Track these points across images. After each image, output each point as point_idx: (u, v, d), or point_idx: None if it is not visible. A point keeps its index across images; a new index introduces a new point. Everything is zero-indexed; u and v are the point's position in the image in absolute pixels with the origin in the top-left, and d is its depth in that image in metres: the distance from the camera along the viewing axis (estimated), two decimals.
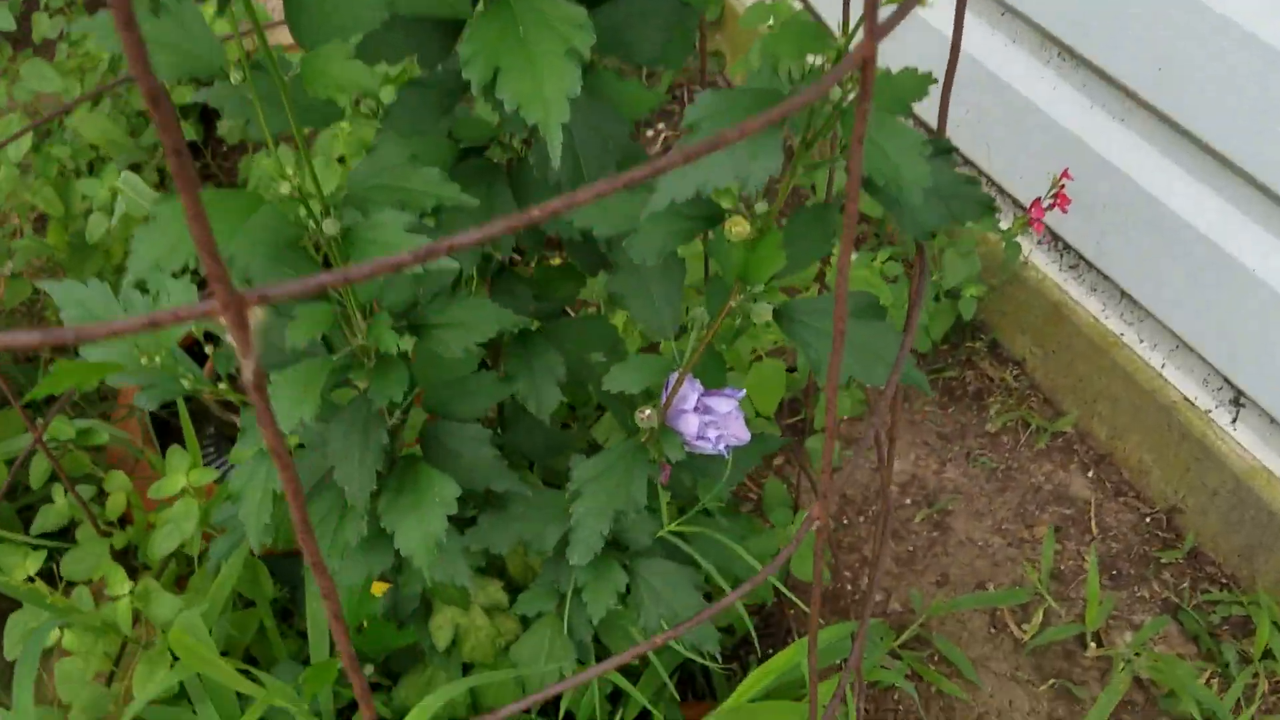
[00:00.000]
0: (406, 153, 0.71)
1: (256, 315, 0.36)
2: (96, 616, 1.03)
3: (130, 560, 1.42)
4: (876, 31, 0.43)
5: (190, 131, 1.89)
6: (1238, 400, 1.59)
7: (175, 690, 1.10)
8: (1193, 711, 1.50)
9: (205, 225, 0.34)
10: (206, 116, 2.18)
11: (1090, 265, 1.71)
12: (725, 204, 0.74)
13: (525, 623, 1.15)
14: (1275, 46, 1.30)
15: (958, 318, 1.89)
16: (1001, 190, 1.83)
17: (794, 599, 1.11)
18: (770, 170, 0.63)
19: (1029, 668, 1.60)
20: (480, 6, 0.80)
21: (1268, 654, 1.56)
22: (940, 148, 0.71)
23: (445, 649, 1.08)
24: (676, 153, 0.40)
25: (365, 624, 1.05)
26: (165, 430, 1.63)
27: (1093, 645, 1.61)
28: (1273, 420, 1.55)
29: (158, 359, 0.80)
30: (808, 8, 1.13)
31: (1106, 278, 1.69)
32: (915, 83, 0.70)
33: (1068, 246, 1.74)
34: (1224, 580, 1.67)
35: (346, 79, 0.70)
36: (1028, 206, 1.62)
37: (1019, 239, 1.69)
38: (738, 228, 0.73)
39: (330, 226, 0.70)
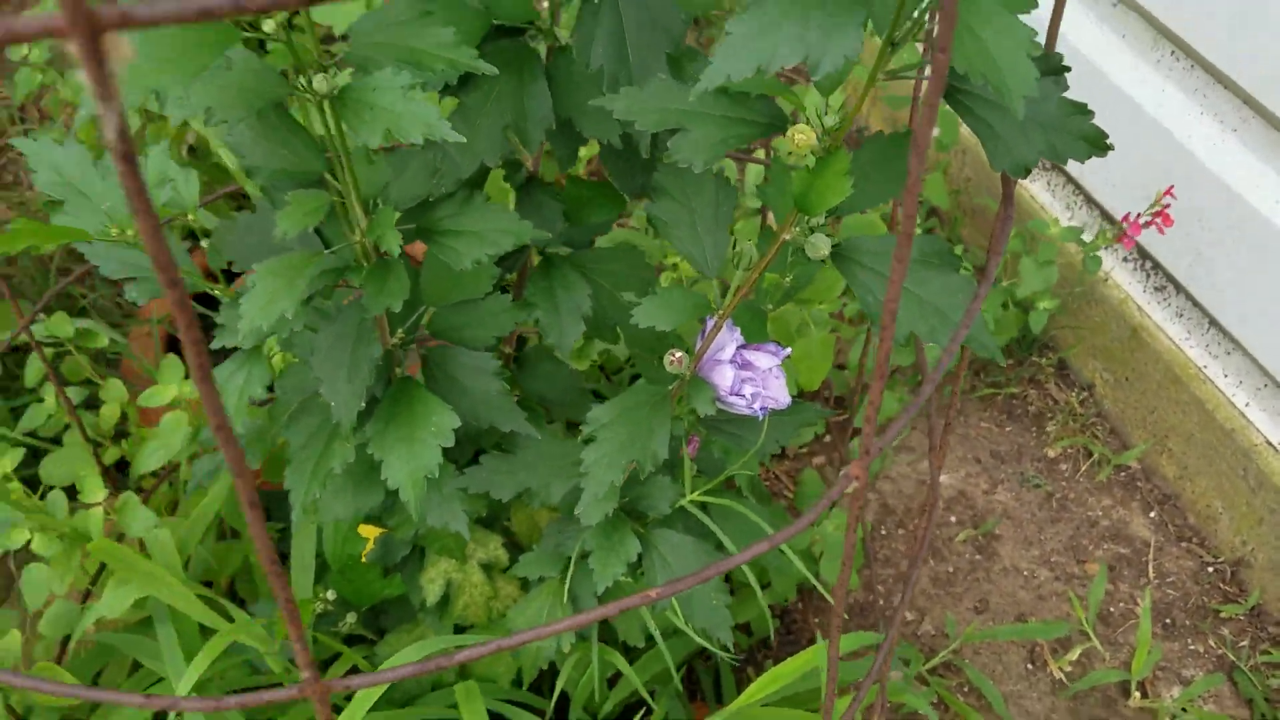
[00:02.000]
0: (419, 8, 0.62)
1: (121, 47, 0.27)
2: (66, 523, 0.94)
3: (126, 479, 1.34)
4: None
5: None
6: None
7: (147, 615, 1.01)
8: None
9: None
10: None
11: (1180, 288, 1.59)
12: (786, 102, 0.64)
13: (526, 587, 1.05)
14: None
15: (1025, 331, 1.77)
16: (1090, 199, 1.70)
17: (819, 585, 1.01)
18: (847, 52, 0.52)
19: (1065, 710, 1.48)
20: None
21: None
22: (1051, 65, 0.60)
23: (435, 605, 0.98)
24: None
25: (344, 568, 0.96)
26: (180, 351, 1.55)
27: (1136, 695, 1.49)
28: None
29: (129, 232, 0.71)
30: None
31: (1196, 303, 1.56)
32: None
33: (1156, 265, 1.62)
34: None
35: None
36: (1116, 218, 1.49)
37: (1100, 252, 1.57)
38: (801, 136, 0.63)
39: (321, 83, 0.61)
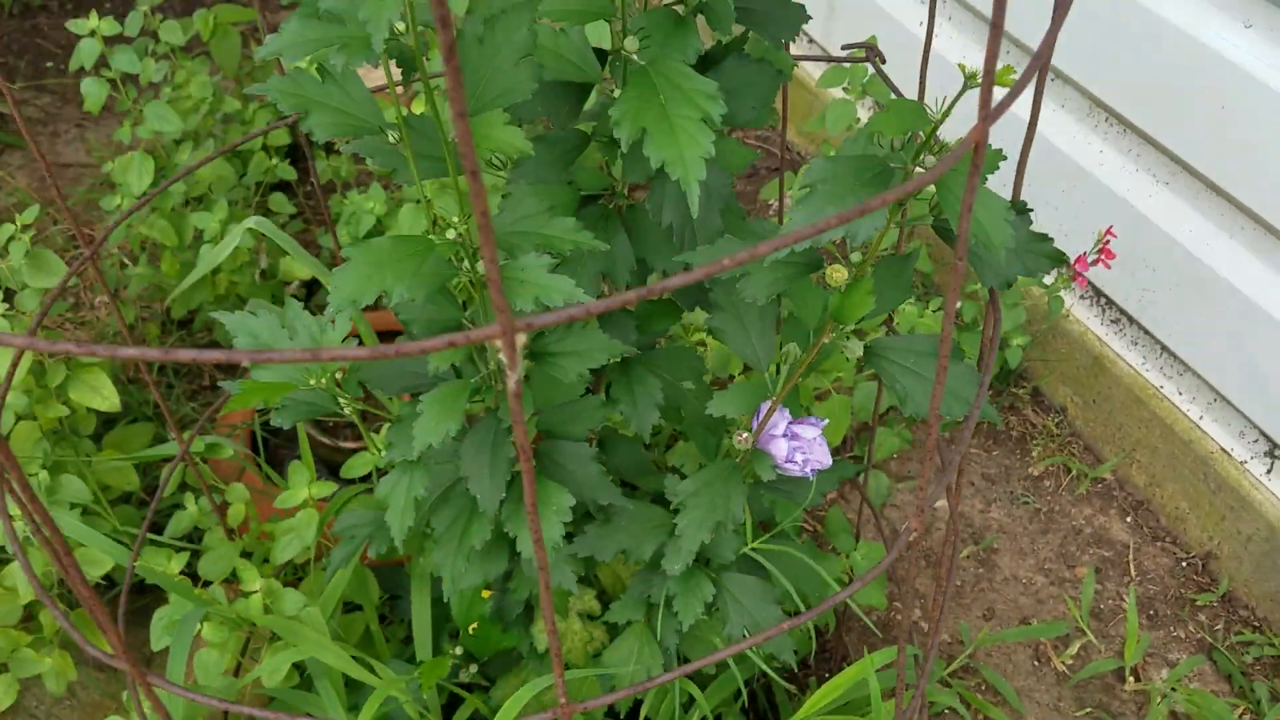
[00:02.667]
0: (545, 203, 0.83)
1: (520, 339, 0.48)
2: (232, 609, 1.14)
3: None
4: (989, 116, 0.54)
5: (284, 172, 2.03)
6: (1272, 452, 1.68)
7: (294, 682, 1.21)
8: None
9: (492, 243, 0.46)
10: (295, 157, 2.32)
11: (1132, 320, 1.82)
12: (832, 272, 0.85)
13: (613, 631, 1.25)
14: None
15: (1003, 366, 1.99)
16: None
17: (862, 615, 1.21)
18: (876, 227, 0.74)
19: (1070, 699, 1.68)
20: (611, 68, 0.92)
21: None
22: (1019, 209, 0.82)
23: (544, 652, 1.18)
24: (805, 227, 0.52)
25: (475, 626, 1.16)
26: (262, 450, 1.75)
27: (1131, 680, 1.70)
28: None
29: (323, 381, 0.91)
30: (881, 75, 1.24)
31: (1147, 332, 1.79)
32: (990, 157, 0.81)
33: (1110, 301, 1.85)
34: (1256, 623, 1.75)
35: (504, 142, 0.82)
36: (1072, 262, 1.72)
37: (1061, 293, 1.80)
38: (838, 274, 0.84)
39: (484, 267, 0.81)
